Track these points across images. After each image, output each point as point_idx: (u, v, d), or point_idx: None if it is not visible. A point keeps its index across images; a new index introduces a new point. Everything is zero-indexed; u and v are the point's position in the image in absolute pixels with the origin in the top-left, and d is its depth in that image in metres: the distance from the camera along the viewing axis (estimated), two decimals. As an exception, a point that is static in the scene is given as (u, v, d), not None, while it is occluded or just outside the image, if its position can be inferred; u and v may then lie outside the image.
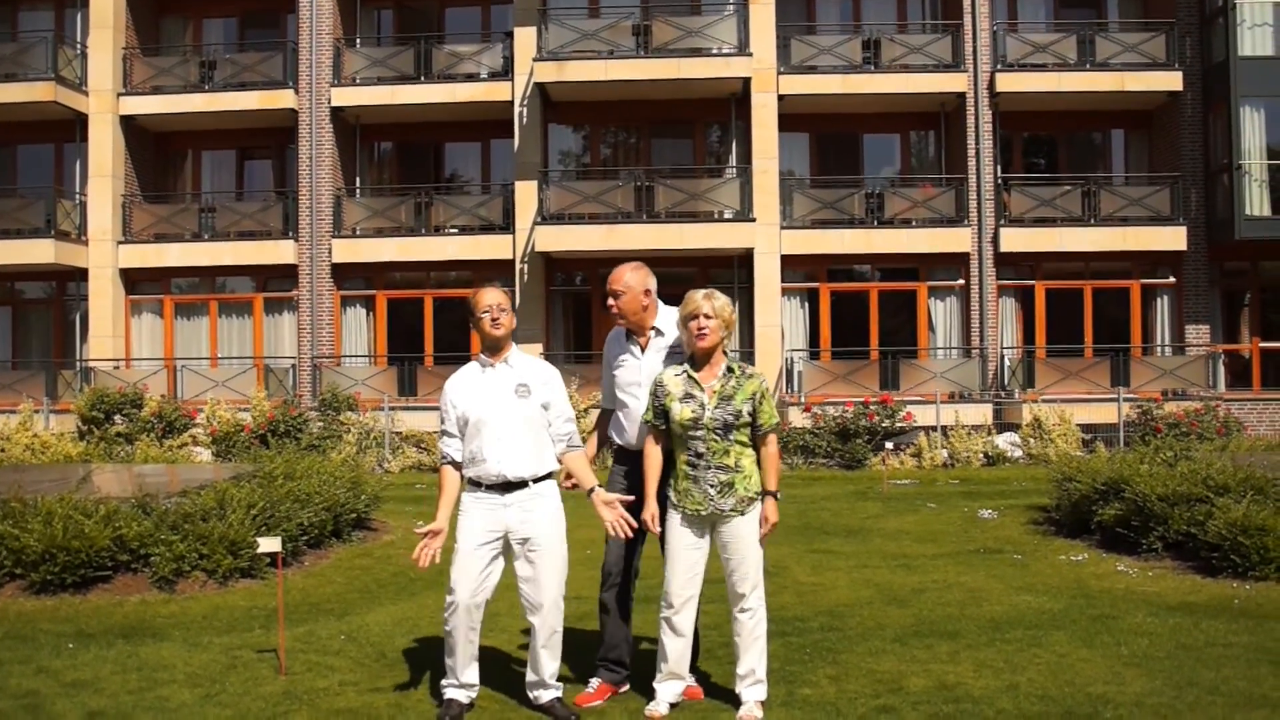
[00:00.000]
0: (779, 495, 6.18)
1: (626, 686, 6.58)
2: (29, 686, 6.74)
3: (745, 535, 6.07)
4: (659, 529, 6.17)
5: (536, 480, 6.18)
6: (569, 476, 6.45)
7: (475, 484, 6.20)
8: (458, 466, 6.27)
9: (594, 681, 6.53)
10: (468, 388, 6.26)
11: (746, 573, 6.09)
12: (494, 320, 6.17)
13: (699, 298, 6.11)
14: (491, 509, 6.14)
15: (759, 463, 6.19)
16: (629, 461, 6.58)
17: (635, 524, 6.19)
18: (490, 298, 6.21)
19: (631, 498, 6.30)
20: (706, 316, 6.06)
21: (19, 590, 9.32)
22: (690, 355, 6.22)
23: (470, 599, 6.11)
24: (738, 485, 6.04)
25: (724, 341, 6.19)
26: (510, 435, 6.13)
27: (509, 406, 6.16)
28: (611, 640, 6.58)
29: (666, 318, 6.61)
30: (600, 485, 6.29)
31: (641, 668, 6.61)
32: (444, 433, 6.31)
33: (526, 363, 6.35)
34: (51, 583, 9.26)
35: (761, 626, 6.17)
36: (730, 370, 6.15)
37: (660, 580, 6.34)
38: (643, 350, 6.58)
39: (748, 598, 6.11)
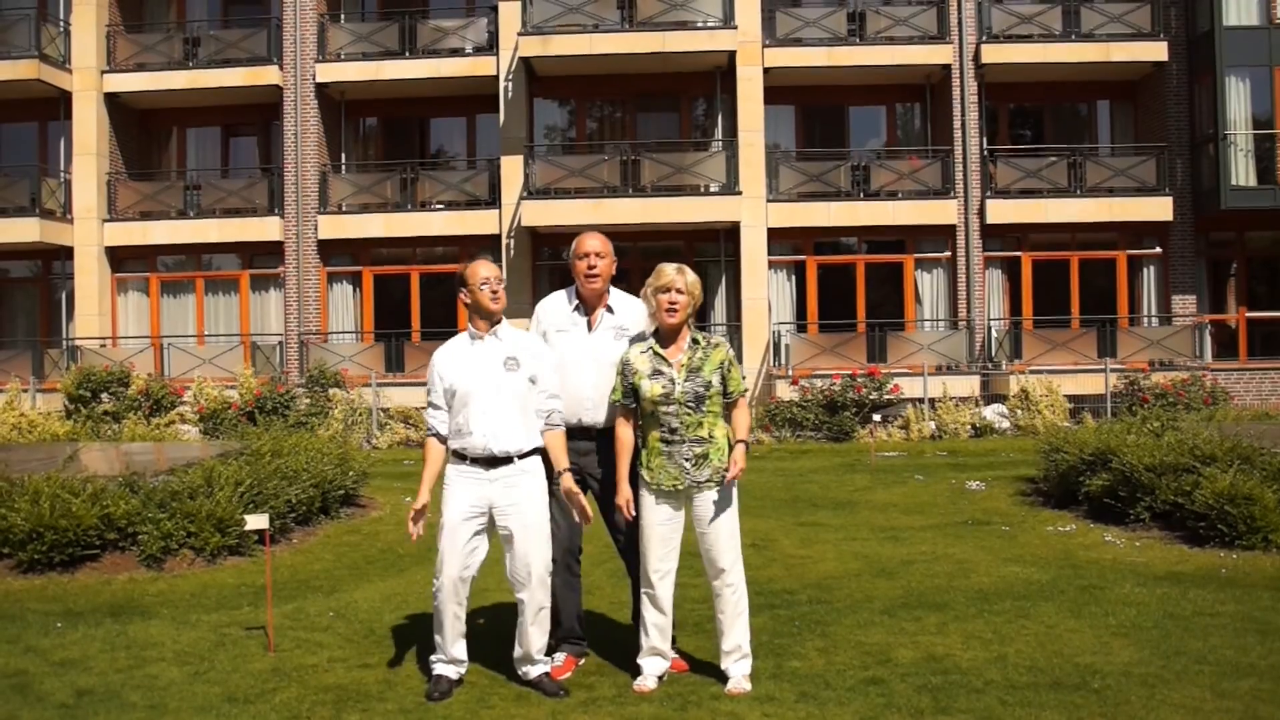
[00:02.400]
0: (749, 445, 6.14)
1: (585, 658, 6.68)
2: (17, 665, 6.72)
3: (720, 508, 6.07)
4: (634, 514, 6.16)
5: (522, 456, 6.15)
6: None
7: (460, 457, 6.16)
8: (443, 440, 6.23)
9: (559, 655, 6.55)
10: (456, 359, 6.20)
11: (725, 546, 6.09)
12: (494, 294, 6.14)
13: (672, 271, 6.06)
14: (477, 483, 6.10)
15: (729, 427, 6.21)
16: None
17: (590, 516, 6.21)
18: (488, 270, 6.17)
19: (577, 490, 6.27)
20: (679, 292, 6.03)
21: (6, 570, 9.29)
22: (654, 330, 6.20)
23: (457, 573, 6.11)
24: (712, 456, 6.03)
25: (691, 318, 6.17)
26: (497, 409, 6.08)
27: (497, 379, 6.10)
28: (568, 621, 6.63)
29: (619, 299, 6.56)
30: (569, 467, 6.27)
31: (627, 644, 6.62)
32: (431, 404, 6.26)
33: (515, 336, 6.29)
34: (39, 562, 9.24)
35: (744, 599, 6.17)
36: (695, 342, 6.13)
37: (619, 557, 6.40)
38: (591, 328, 6.50)
39: (729, 571, 6.11)
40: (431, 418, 6.25)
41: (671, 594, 6.22)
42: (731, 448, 6.10)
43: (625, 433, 6.19)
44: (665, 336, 6.13)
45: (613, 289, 6.59)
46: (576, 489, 6.18)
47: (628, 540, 6.45)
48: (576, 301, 6.56)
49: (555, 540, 6.48)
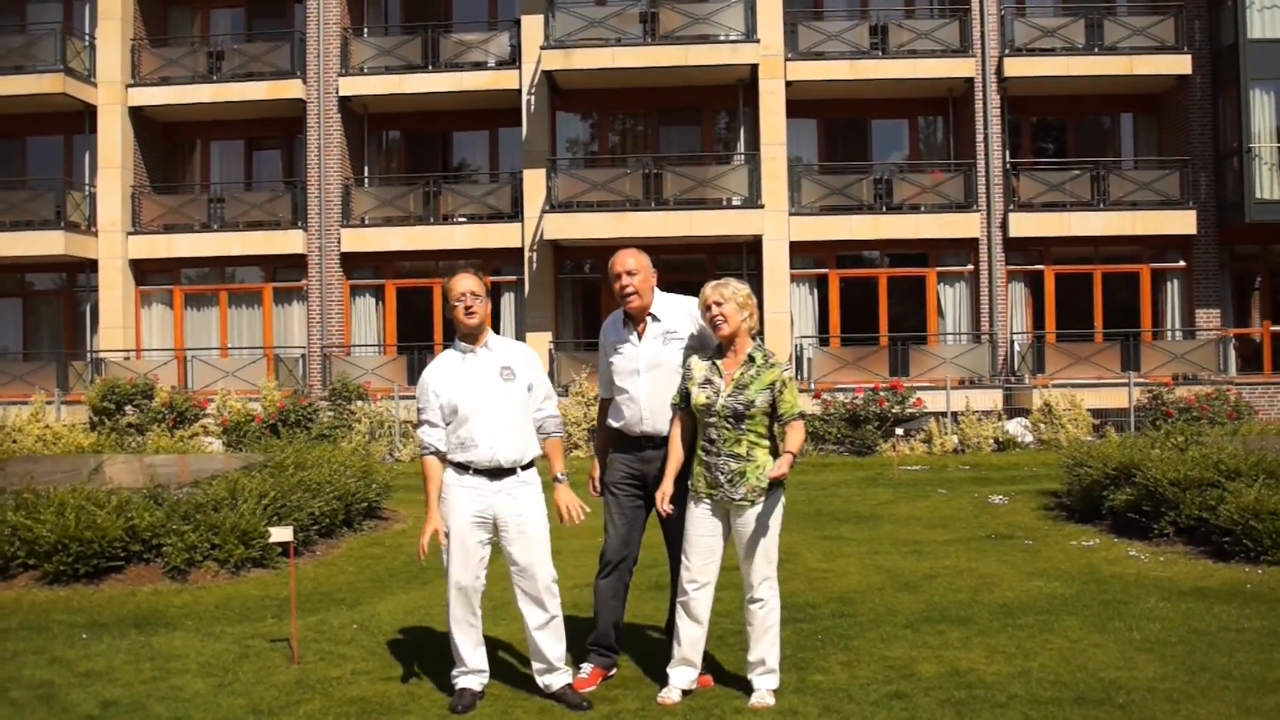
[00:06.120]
0: (797, 458, 6.12)
1: (615, 670, 6.64)
2: (43, 677, 6.76)
3: (756, 527, 6.07)
4: (668, 509, 6.17)
5: (524, 467, 6.19)
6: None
7: (462, 468, 6.15)
8: (441, 457, 6.22)
9: (585, 666, 6.54)
10: (450, 376, 6.19)
11: (757, 564, 6.09)
12: (468, 309, 6.12)
13: (708, 289, 6.16)
14: (479, 494, 6.11)
15: (781, 442, 6.19)
16: (627, 447, 6.56)
17: (586, 511, 6.23)
18: (464, 284, 6.13)
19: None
20: (716, 304, 6.08)
21: (32, 581, 9.35)
22: (717, 344, 6.22)
23: (469, 582, 6.13)
24: (749, 475, 6.02)
25: (748, 327, 6.17)
26: (500, 419, 6.11)
27: (496, 391, 6.13)
28: (604, 627, 6.60)
29: (663, 304, 6.57)
30: (564, 474, 6.31)
31: (654, 656, 6.62)
32: (425, 423, 6.23)
33: (505, 345, 6.32)
34: (64, 573, 9.29)
35: (773, 616, 6.16)
36: (751, 359, 6.13)
37: (667, 568, 6.39)
38: (640, 337, 6.52)
39: (757, 588, 6.11)
40: (428, 435, 6.21)
41: (708, 606, 6.22)
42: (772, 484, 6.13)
43: (676, 434, 6.23)
44: (724, 348, 6.17)
45: (657, 293, 6.60)
46: (572, 495, 6.22)
47: (678, 550, 6.47)
48: (624, 317, 6.61)
49: (612, 545, 6.52)
